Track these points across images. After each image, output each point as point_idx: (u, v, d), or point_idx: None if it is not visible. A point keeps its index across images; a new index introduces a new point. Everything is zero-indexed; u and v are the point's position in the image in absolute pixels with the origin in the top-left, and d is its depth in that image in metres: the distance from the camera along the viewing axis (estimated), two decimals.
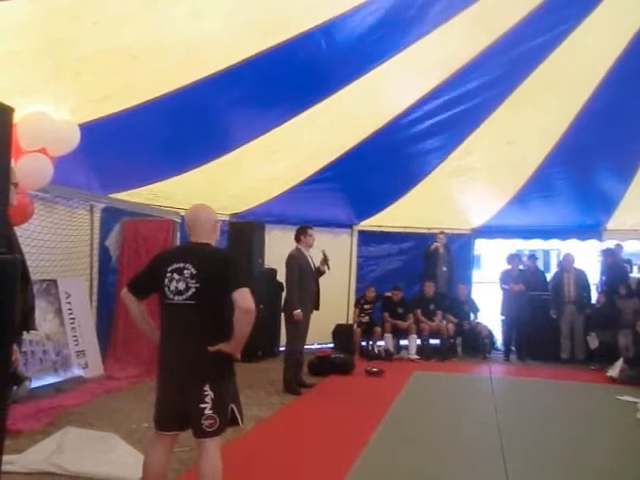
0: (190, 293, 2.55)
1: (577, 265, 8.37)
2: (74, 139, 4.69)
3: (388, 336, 8.23)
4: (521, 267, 8.80)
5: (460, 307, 8.70)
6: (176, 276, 2.58)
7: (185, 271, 2.57)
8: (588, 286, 8.33)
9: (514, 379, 7.24)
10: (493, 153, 7.61)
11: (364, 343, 8.36)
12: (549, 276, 9.14)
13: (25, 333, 3.21)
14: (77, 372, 5.74)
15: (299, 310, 5.78)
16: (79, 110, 4.70)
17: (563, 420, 5.20)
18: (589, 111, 6.69)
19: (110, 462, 3.46)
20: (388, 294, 8.58)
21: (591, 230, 9.05)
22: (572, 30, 5.79)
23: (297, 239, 6.07)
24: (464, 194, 8.56)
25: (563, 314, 8.06)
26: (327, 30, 4.93)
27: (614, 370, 6.83)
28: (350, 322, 8.75)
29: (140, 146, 5.60)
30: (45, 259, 5.59)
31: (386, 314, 8.39)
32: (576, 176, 7.93)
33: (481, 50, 5.84)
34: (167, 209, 7.04)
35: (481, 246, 12.13)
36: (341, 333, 8.44)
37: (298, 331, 5.95)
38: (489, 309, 9.43)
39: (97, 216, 6.47)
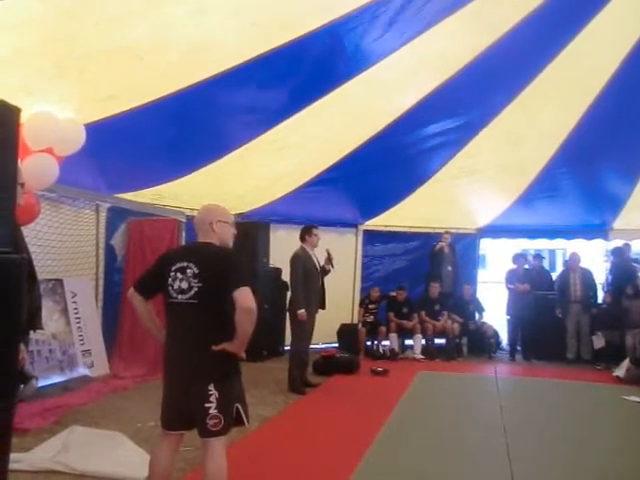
0: (193, 292, 2.55)
1: (583, 265, 8.33)
2: (80, 139, 4.71)
3: (393, 336, 8.22)
4: (527, 267, 8.77)
5: (465, 307, 8.68)
6: (179, 275, 2.59)
7: (188, 270, 2.58)
8: (594, 286, 8.30)
9: (520, 379, 7.21)
10: (499, 153, 7.59)
11: (369, 343, 8.37)
12: (555, 276, 9.10)
13: (32, 332, 3.23)
14: (83, 371, 5.77)
15: (303, 310, 5.78)
16: (84, 110, 4.72)
17: (569, 420, 5.17)
18: (595, 111, 6.66)
19: (116, 461, 3.47)
20: (393, 294, 8.57)
21: (597, 230, 9.02)
22: (578, 31, 5.77)
23: (302, 239, 6.07)
24: (469, 194, 8.54)
25: (569, 314, 8.02)
26: (333, 29, 4.93)
27: (620, 370, 6.81)
28: (355, 322, 8.75)
29: (145, 146, 5.62)
30: (51, 259, 5.62)
31: (391, 314, 8.38)
32: (582, 176, 7.90)
33: (486, 48, 5.83)
34: (172, 209, 7.07)
35: (486, 246, 12.12)
36: (346, 333, 8.45)
37: (303, 331, 5.95)
38: (494, 309, 9.41)
39: (103, 216, 6.49)
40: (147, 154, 5.76)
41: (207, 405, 2.50)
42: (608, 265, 9.04)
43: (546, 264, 10.88)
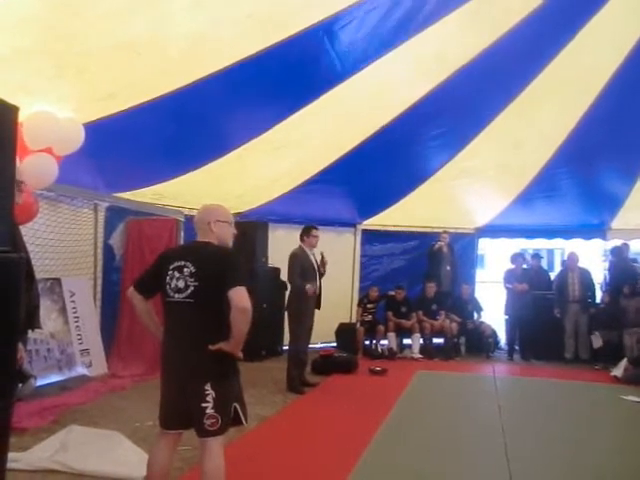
0: (189, 291, 2.56)
1: (581, 264, 8.34)
2: (79, 138, 4.70)
3: (391, 335, 8.23)
4: (525, 266, 8.78)
5: (464, 306, 8.69)
6: (176, 274, 2.60)
7: (185, 269, 2.59)
8: (592, 285, 8.31)
9: (518, 378, 7.22)
10: (498, 153, 7.59)
11: (367, 342, 8.37)
12: (553, 275, 9.12)
13: (30, 331, 3.23)
14: (81, 370, 5.78)
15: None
16: (83, 109, 4.72)
17: (567, 420, 5.18)
18: (595, 111, 6.67)
19: (114, 460, 3.47)
20: (391, 293, 8.58)
21: (595, 229, 9.04)
22: (578, 31, 5.78)
23: (301, 238, 6.08)
24: (468, 193, 8.55)
25: (567, 313, 8.03)
26: (329, 25, 4.93)
27: (618, 370, 6.82)
28: (353, 321, 8.76)
29: (143, 146, 5.61)
30: (49, 258, 5.62)
31: (389, 313, 8.39)
32: (580, 176, 7.92)
33: (485, 48, 5.84)
34: (171, 208, 7.07)
35: (485, 245, 12.13)
36: (344, 332, 8.45)
37: (301, 330, 5.95)
38: (493, 308, 9.42)
39: (101, 215, 6.48)
40: (145, 153, 5.75)
41: (204, 405, 2.50)
42: (606, 265, 9.06)
43: (544, 264, 10.89)
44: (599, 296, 8.33)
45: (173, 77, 4.84)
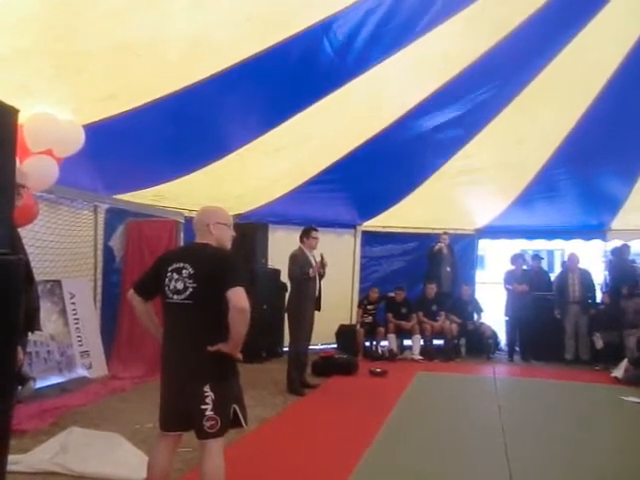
0: (188, 293, 2.56)
1: (581, 265, 8.34)
2: (79, 140, 4.71)
3: (391, 336, 8.23)
4: (525, 267, 8.78)
5: (464, 307, 8.69)
6: (175, 275, 2.60)
7: (184, 271, 2.59)
8: (593, 286, 8.31)
9: (518, 379, 7.22)
10: (497, 154, 7.59)
11: (367, 343, 8.37)
12: (553, 276, 9.12)
13: (30, 333, 3.23)
14: (81, 372, 5.77)
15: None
16: (83, 109, 4.71)
17: (567, 421, 5.18)
18: (594, 112, 6.67)
19: (114, 462, 3.46)
20: (391, 294, 8.57)
21: (595, 230, 9.03)
22: (578, 32, 5.78)
23: (301, 240, 6.08)
24: (468, 194, 8.54)
25: (567, 314, 8.03)
26: (329, 26, 4.93)
27: (619, 371, 6.81)
28: (353, 322, 8.75)
29: (142, 147, 5.61)
30: (49, 260, 5.62)
31: (389, 314, 8.39)
32: (580, 176, 7.90)
33: (486, 50, 5.84)
34: (171, 210, 7.06)
35: (485, 246, 12.12)
36: (344, 334, 8.44)
37: (302, 332, 5.95)
38: (493, 309, 9.42)
39: (101, 217, 6.49)
40: (145, 155, 5.75)
41: (203, 407, 2.49)
42: (606, 265, 9.06)
43: (544, 265, 10.88)
44: (599, 297, 8.33)
45: (173, 78, 4.83)
